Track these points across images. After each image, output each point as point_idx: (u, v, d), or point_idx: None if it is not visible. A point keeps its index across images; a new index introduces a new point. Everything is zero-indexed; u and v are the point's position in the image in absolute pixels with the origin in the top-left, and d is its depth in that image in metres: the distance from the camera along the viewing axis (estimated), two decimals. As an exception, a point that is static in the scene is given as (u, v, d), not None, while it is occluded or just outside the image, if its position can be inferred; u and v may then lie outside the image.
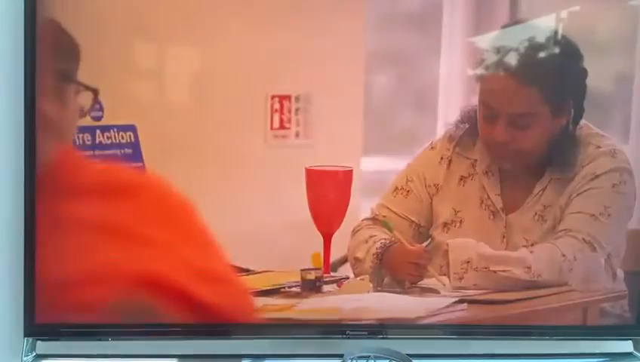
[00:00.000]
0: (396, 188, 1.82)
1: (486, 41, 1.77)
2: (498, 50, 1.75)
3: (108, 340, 1.64)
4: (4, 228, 1.65)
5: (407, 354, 1.64)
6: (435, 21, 1.79)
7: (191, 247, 1.60)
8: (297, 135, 1.76)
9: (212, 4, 1.69)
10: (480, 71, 1.77)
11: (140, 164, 1.66)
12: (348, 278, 1.77)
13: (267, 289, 1.71)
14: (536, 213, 1.80)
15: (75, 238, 1.58)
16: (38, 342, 1.62)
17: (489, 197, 1.81)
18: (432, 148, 1.82)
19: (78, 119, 1.60)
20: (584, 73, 1.76)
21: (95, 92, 1.58)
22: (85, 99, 1.58)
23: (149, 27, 1.66)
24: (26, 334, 1.61)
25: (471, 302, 1.75)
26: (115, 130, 1.65)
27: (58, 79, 1.56)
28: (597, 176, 1.78)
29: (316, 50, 1.73)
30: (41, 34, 1.55)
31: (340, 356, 1.64)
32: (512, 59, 1.74)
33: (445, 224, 1.81)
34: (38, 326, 1.60)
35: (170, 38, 1.68)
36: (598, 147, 1.79)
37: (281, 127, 1.75)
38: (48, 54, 1.56)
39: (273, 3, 1.72)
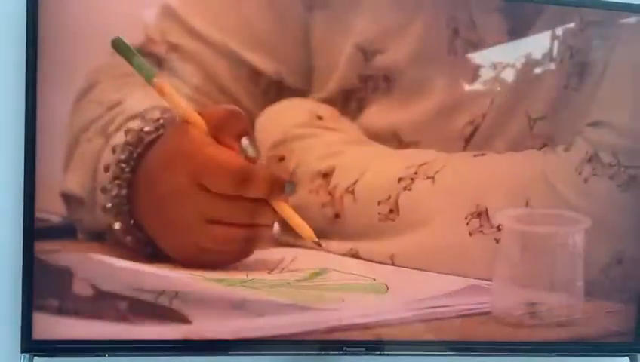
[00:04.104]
0: None
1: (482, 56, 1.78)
2: (495, 66, 1.76)
3: (105, 356, 1.63)
4: (2, 242, 1.65)
5: (406, 371, 1.64)
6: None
7: None
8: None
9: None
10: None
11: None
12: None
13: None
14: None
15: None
16: (35, 359, 1.60)
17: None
18: None
19: None
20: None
21: None
22: None
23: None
24: (23, 350, 1.59)
25: (469, 316, 1.75)
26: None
27: None
28: None
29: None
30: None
31: (338, 372, 1.64)
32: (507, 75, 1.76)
33: None
34: (34, 342, 1.58)
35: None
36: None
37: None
38: None
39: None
